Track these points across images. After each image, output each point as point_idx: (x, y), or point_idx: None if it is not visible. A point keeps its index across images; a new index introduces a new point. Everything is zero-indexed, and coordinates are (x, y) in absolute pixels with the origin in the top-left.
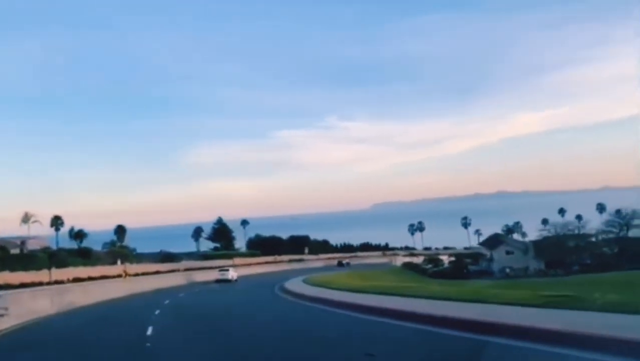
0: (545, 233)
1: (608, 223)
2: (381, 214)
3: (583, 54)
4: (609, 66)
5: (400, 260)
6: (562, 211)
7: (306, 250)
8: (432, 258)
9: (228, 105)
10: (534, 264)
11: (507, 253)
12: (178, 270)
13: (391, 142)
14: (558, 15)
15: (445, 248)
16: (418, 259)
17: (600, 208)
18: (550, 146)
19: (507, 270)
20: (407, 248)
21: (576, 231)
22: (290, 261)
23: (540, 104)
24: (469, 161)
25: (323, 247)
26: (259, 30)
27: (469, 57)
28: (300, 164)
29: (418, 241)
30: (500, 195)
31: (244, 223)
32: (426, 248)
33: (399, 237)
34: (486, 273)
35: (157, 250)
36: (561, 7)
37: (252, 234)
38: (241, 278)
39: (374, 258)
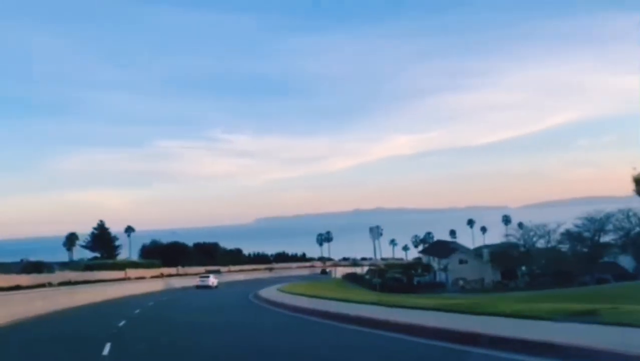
0: (510, 238)
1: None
2: (264, 229)
3: (455, 82)
4: (479, 95)
5: (341, 271)
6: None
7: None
8: (379, 269)
9: (103, 111)
10: (490, 275)
11: (461, 262)
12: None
13: (275, 158)
14: (435, 45)
15: (363, 259)
16: (362, 270)
17: (471, 223)
18: (422, 166)
19: (461, 282)
20: (322, 258)
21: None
22: (204, 273)
23: (415, 127)
24: (349, 178)
25: (236, 257)
26: (143, 36)
27: (353, 78)
28: (180, 176)
29: (325, 252)
30: (379, 211)
31: (129, 230)
32: (345, 259)
33: (293, 249)
34: (437, 286)
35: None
36: (439, 38)
37: (138, 244)
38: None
39: (302, 270)
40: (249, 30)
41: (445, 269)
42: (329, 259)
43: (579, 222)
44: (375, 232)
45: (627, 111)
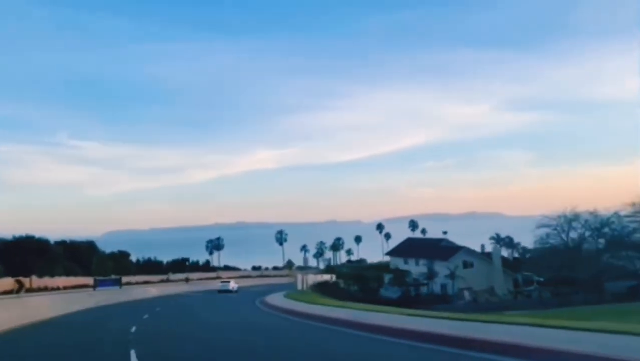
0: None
1: None
2: (116, 243)
3: (319, 102)
4: (339, 116)
5: (312, 279)
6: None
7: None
8: (358, 275)
9: None
10: (501, 283)
11: (466, 265)
12: None
13: (128, 167)
14: (302, 65)
15: (276, 268)
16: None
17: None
18: (285, 181)
19: (467, 293)
20: (227, 267)
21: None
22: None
23: (279, 142)
24: (210, 191)
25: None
26: None
27: (218, 90)
28: (16, 183)
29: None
30: (240, 226)
31: None
32: (256, 268)
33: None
34: (437, 299)
35: None
36: (307, 59)
37: None
38: None
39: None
40: (109, 32)
41: (452, 275)
42: (236, 268)
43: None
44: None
45: (465, 137)
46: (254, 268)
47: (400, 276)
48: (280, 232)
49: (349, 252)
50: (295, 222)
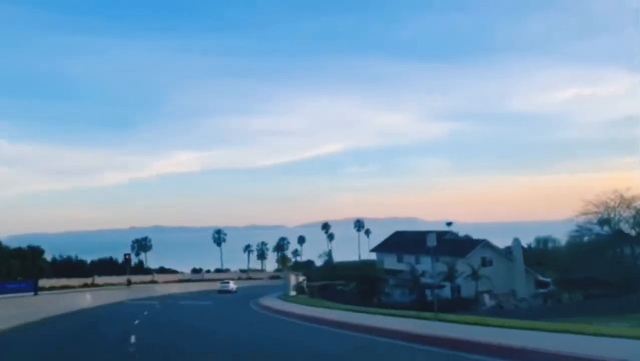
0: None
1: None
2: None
3: (244, 104)
4: (264, 119)
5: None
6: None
7: None
8: (363, 277)
9: None
10: (523, 284)
11: (485, 263)
12: None
13: (36, 167)
14: (228, 65)
15: (219, 270)
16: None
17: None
18: (206, 185)
19: (486, 297)
20: (164, 269)
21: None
22: None
23: (200, 144)
24: (125, 194)
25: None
26: None
27: (137, 89)
28: None
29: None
30: (158, 229)
31: None
32: (196, 270)
33: None
34: (460, 303)
35: None
36: (232, 59)
37: None
38: None
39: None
40: (14, 22)
41: (475, 275)
42: (173, 271)
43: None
44: None
45: (387, 144)
46: (195, 271)
47: (410, 276)
48: (219, 232)
49: (295, 253)
50: (215, 226)
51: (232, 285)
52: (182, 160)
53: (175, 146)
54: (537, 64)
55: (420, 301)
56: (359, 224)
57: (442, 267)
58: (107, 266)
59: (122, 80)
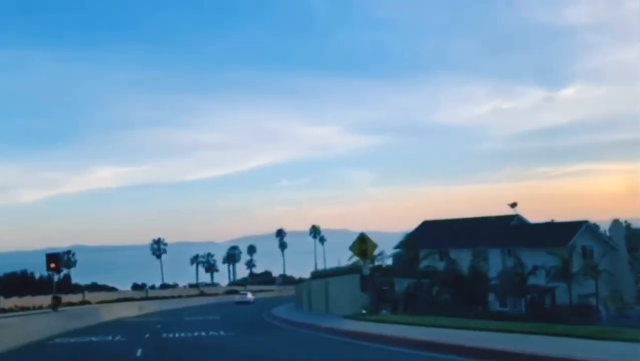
0: None
1: None
2: None
3: (170, 117)
4: (192, 133)
5: None
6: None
7: None
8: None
9: None
10: (631, 285)
11: (586, 252)
12: None
13: None
14: (151, 77)
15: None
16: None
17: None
18: (130, 201)
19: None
20: (96, 285)
21: None
22: None
23: (123, 159)
24: (43, 212)
25: None
26: None
27: (54, 101)
28: None
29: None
30: (78, 248)
31: None
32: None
33: None
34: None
35: None
36: (157, 71)
37: None
38: None
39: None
40: None
41: (595, 271)
42: (110, 288)
43: None
44: None
45: (317, 157)
46: (137, 287)
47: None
48: (158, 241)
49: (249, 263)
50: (141, 244)
51: (250, 296)
52: (105, 175)
53: (96, 161)
54: (458, 80)
55: (535, 309)
56: (315, 230)
57: (542, 260)
58: (17, 284)
59: (39, 93)
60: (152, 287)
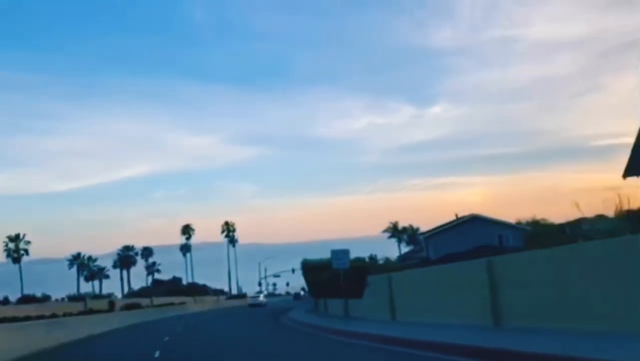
0: None
1: None
2: None
3: (27, 124)
4: (54, 140)
5: None
6: None
7: None
8: None
9: None
10: None
11: None
12: None
13: None
14: (5, 78)
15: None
16: None
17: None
18: None
19: None
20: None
21: None
22: None
23: None
24: None
25: None
26: None
27: None
28: None
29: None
30: None
31: None
32: None
33: None
34: None
35: None
36: (13, 73)
37: None
38: None
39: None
40: None
41: None
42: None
43: None
44: None
45: (195, 168)
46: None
47: None
48: (78, 255)
49: (151, 268)
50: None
51: (261, 298)
52: None
53: None
54: (336, 95)
55: None
56: (183, 248)
57: None
58: None
59: None
60: (62, 299)
